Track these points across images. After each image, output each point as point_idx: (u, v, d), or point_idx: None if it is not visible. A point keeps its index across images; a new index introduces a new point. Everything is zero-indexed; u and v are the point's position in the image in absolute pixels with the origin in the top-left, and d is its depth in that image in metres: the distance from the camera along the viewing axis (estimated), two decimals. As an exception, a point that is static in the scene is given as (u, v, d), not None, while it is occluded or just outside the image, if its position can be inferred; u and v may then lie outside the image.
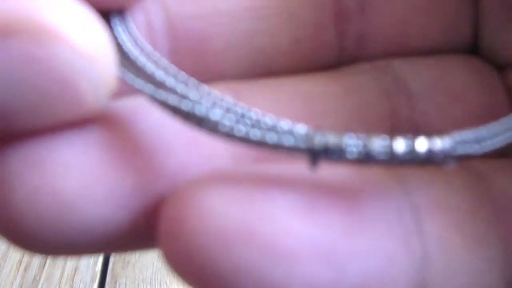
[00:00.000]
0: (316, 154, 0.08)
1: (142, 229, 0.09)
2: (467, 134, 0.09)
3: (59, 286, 0.34)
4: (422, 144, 0.08)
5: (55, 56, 0.07)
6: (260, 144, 0.08)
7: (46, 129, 0.08)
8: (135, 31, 0.10)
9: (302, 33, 0.11)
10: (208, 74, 0.11)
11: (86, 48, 0.07)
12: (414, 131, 0.11)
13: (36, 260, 0.35)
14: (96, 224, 0.08)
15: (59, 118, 0.08)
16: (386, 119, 0.11)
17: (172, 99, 0.08)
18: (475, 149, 0.09)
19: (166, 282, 0.34)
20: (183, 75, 0.09)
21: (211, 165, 0.09)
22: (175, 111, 0.08)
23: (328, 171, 0.09)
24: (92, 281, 0.34)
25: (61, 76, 0.07)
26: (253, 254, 0.07)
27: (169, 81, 0.08)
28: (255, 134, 0.08)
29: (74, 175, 0.08)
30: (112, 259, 0.36)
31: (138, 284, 0.34)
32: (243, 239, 0.07)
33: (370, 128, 0.11)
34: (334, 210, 0.08)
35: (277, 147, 0.08)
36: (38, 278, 0.34)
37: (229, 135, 0.08)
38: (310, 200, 0.08)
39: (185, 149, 0.09)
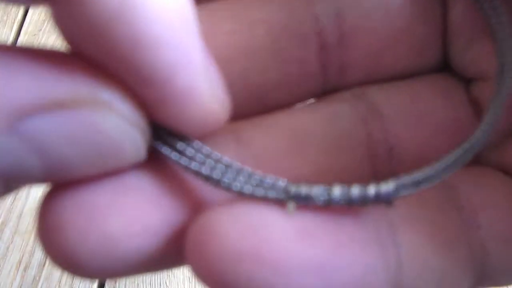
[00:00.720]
0: (292, 202, 0.11)
1: (172, 252, 0.11)
2: (407, 178, 0.11)
3: (59, 286, 0.34)
4: (371, 190, 0.11)
5: (107, 122, 0.09)
6: (252, 196, 0.11)
7: (94, 177, 0.10)
8: None
9: (289, 68, 0.13)
10: None
11: (127, 112, 0.09)
12: (388, 151, 0.13)
13: (36, 260, 0.35)
14: (135, 253, 0.10)
15: (105, 169, 0.10)
16: (363, 143, 0.13)
17: (184, 161, 0.11)
18: (413, 191, 0.11)
19: (166, 282, 0.34)
20: (188, 137, 0.11)
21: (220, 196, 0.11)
22: (187, 170, 0.11)
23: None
24: (92, 281, 0.34)
25: (113, 138, 0.09)
26: (260, 270, 0.10)
27: (180, 146, 0.11)
28: (248, 188, 0.11)
29: (116, 216, 0.10)
30: (112, 259, 0.36)
31: (138, 284, 0.34)
32: (252, 259, 0.10)
33: (349, 152, 0.13)
34: (322, 232, 0.10)
35: (264, 198, 0.11)
36: (37, 278, 0.34)
37: (228, 189, 0.11)
38: (303, 225, 0.10)
39: (197, 187, 0.11)
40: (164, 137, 0.11)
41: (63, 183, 0.10)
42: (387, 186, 0.11)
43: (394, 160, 0.13)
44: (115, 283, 0.34)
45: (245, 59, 0.13)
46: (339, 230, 0.11)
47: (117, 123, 0.09)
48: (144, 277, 0.34)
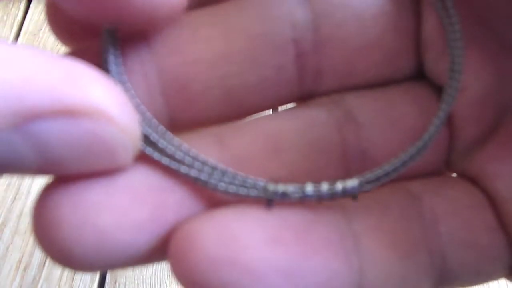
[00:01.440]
0: (270, 199, 0.12)
1: (159, 250, 0.12)
2: (369, 175, 0.12)
3: (59, 286, 0.34)
4: (338, 186, 0.12)
5: (105, 131, 0.10)
6: (235, 195, 0.12)
7: (86, 175, 0.11)
8: (131, 90, 0.13)
9: (267, 73, 0.14)
10: (192, 111, 0.13)
11: (123, 123, 0.10)
12: (361, 155, 0.14)
13: (36, 260, 0.35)
14: (125, 247, 0.11)
15: (95, 169, 0.11)
16: (337, 148, 0.14)
17: (174, 165, 0.12)
18: (375, 185, 0.12)
19: (166, 282, 0.34)
20: (177, 140, 0.12)
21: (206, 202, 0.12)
22: (177, 173, 0.12)
23: (287, 211, 0.12)
24: (92, 281, 0.34)
25: (106, 143, 0.10)
26: (235, 275, 0.11)
27: (169, 150, 0.12)
28: (232, 188, 0.12)
29: (107, 212, 0.11)
30: (112, 259, 0.36)
31: (138, 284, 0.34)
32: (228, 265, 0.11)
33: (323, 155, 0.14)
34: (291, 239, 0.11)
35: (247, 196, 0.12)
36: (37, 278, 0.34)
37: (214, 189, 0.12)
38: (274, 232, 0.11)
39: (181, 189, 0.12)
40: (155, 142, 0.12)
41: (58, 180, 0.11)
42: (352, 182, 0.12)
43: (366, 163, 0.14)
44: (115, 283, 0.34)
45: (223, 65, 0.13)
46: (307, 237, 0.12)
47: (113, 132, 0.10)
48: (144, 277, 0.34)
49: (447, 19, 0.14)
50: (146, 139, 0.12)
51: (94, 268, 0.11)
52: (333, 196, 0.12)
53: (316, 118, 0.14)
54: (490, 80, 0.14)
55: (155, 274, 0.35)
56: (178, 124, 0.13)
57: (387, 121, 0.14)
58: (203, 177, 0.12)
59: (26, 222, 0.36)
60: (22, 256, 0.35)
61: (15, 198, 0.38)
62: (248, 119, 0.14)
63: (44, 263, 0.35)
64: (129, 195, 0.11)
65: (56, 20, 0.13)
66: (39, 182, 0.38)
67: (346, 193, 0.12)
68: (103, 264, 0.11)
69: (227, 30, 0.13)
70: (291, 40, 0.14)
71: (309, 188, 0.12)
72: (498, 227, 0.13)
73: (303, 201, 0.12)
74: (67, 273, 0.34)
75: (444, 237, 0.13)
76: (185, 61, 0.13)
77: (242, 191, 0.12)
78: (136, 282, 0.34)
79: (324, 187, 0.12)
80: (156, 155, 0.12)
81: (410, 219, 0.13)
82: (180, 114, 0.13)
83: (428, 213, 0.13)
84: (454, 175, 0.15)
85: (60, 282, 0.34)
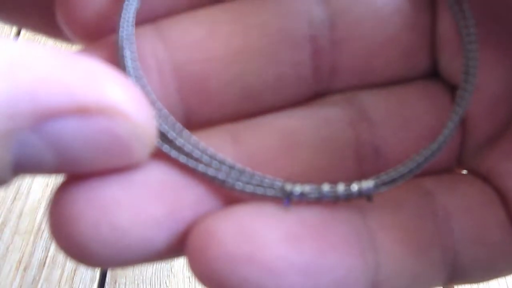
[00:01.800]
0: (288, 199, 0.12)
1: (176, 246, 0.12)
2: (384, 176, 0.13)
3: (59, 286, 0.34)
4: (354, 187, 0.12)
5: (121, 128, 0.10)
6: (253, 194, 0.12)
7: (103, 172, 0.11)
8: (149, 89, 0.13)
9: (283, 70, 0.14)
10: (208, 108, 0.14)
11: (139, 119, 0.10)
12: (374, 153, 0.14)
13: (36, 260, 0.35)
14: (142, 244, 0.11)
15: (111, 166, 0.11)
16: (351, 145, 0.14)
17: (192, 163, 0.12)
18: (390, 187, 0.13)
19: (166, 282, 0.34)
20: (194, 139, 0.12)
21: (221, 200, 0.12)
22: (195, 172, 0.12)
23: (304, 208, 0.12)
24: (92, 281, 0.34)
25: (122, 140, 0.10)
26: (254, 272, 0.11)
27: (186, 148, 0.12)
28: (249, 187, 0.12)
29: (124, 209, 0.11)
30: (112, 259, 0.36)
31: (138, 284, 0.34)
32: (246, 262, 0.11)
33: (337, 153, 0.14)
34: (309, 237, 0.12)
35: (264, 196, 0.12)
36: (37, 278, 0.34)
37: (232, 188, 0.12)
38: (292, 230, 0.12)
39: (198, 186, 0.12)
40: (172, 140, 0.12)
41: (73, 178, 0.11)
42: (367, 184, 0.12)
43: (379, 161, 0.14)
44: (115, 283, 0.34)
45: (241, 62, 0.13)
46: (324, 235, 0.12)
47: (129, 129, 0.10)
48: (144, 277, 0.34)
49: (463, 22, 0.14)
50: (163, 137, 0.12)
51: (110, 264, 0.11)
52: (348, 197, 0.12)
53: (330, 116, 0.14)
54: (503, 79, 0.14)
55: (155, 274, 0.35)
56: (194, 120, 0.13)
57: (400, 119, 0.14)
58: (220, 176, 0.12)
59: (26, 222, 0.36)
60: (22, 256, 0.35)
61: (15, 198, 0.38)
62: (263, 116, 0.14)
63: (44, 263, 0.35)
64: (146, 191, 0.11)
65: (69, 16, 0.13)
66: (39, 182, 0.38)
67: (362, 194, 0.12)
68: (120, 261, 0.11)
69: (245, 27, 0.13)
70: (308, 37, 0.14)
71: (326, 188, 0.12)
72: (509, 224, 0.13)
73: (319, 201, 0.12)
74: (67, 273, 0.34)
75: (457, 233, 0.13)
76: (202, 58, 0.13)
77: (259, 190, 0.12)
78: (136, 282, 0.34)
79: (340, 187, 0.12)
80: (173, 153, 0.12)
81: (423, 216, 0.13)
82: (196, 111, 0.13)
83: (441, 210, 0.13)
84: (465, 172, 0.15)
85: (60, 282, 0.34)
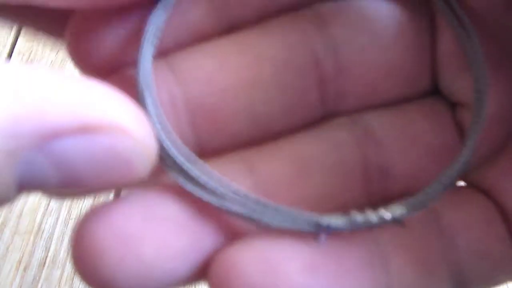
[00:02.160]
0: (324, 233, 0.12)
1: (198, 275, 0.12)
2: (413, 200, 0.13)
3: (59, 286, 0.34)
4: (387, 215, 0.12)
5: (122, 144, 0.10)
6: (289, 229, 0.12)
7: (126, 204, 0.12)
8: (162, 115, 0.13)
9: (291, 98, 0.14)
10: (219, 138, 0.14)
11: (139, 136, 0.10)
12: (382, 173, 0.14)
13: (36, 260, 0.35)
14: (166, 275, 0.12)
15: (112, 184, 0.11)
16: (359, 166, 0.14)
17: (208, 197, 0.12)
18: (420, 210, 0.13)
19: (166, 282, 0.34)
20: (208, 168, 0.12)
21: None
22: (220, 209, 0.12)
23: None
24: (92, 281, 0.34)
25: (123, 157, 0.10)
26: None
27: (202, 180, 0.12)
28: (285, 224, 0.12)
29: (149, 243, 0.11)
30: (112, 259, 0.36)
31: (138, 284, 0.34)
32: None
33: (347, 175, 0.14)
34: (327, 265, 0.12)
35: (300, 231, 0.12)
36: (37, 278, 0.34)
37: (267, 226, 0.12)
38: (311, 260, 0.12)
39: (215, 217, 0.12)
40: (187, 171, 0.12)
41: (95, 210, 0.12)
42: (399, 209, 0.12)
43: (387, 181, 0.14)
44: (115, 283, 0.34)
45: (250, 92, 0.14)
46: (340, 261, 0.12)
47: (130, 146, 0.10)
48: (144, 277, 0.35)
49: (465, 38, 0.14)
50: (178, 168, 0.12)
51: None
52: (382, 224, 0.12)
53: (338, 139, 0.14)
54: (503, 98, 0.14)
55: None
56: (205, 150, 0.14)
57: (405, 138, 0.14)
58: (256, 216, 0.12)
59: (26, 222, 0.36)
60: (22, 256, 0.35)
61: (15, 198, 0.38)
62: (274, 142, 0.15)
63: (44, 263, 0.35)
64: (168, 224, 0.12)
65: (81, 55, 0.13)
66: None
67: (395, 220, 0.12)
68: None
69: (253, 58, 0.14)
70: (313, 65, 0.14)
71: (359, 218, 0.12)
72: (509, 238, 0.13)
73: (353, 231, 0.12)
74: (67, 273, 0.35)
75: (461, 249, 0.13)
76: (213, 91, 0.14)
77: (295, 225, 0.12)
78: (136, 282, 0.34)
79: (373, 216, 0.12)
80: (201, 193, 0.12)
81: (431, 234, 0.13)
82: (208, 142, 0.14)
83: (446, 227, 0.13)
84: (468, 187, 0.15)
85: (60, 282, 0.34)
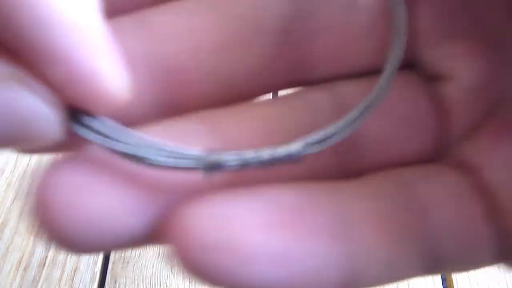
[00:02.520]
0: (209, 169, 0.12)
1: (153, 233, 0.12)
2: (312, 137, 0.12)
3: (59, 286, 0.34)
4: (280, 151, 0.12)
5: (23, 101, 0.10)
6: (177, 168, 0.12)
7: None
8: None
9: (258, 63, 0.14)
10: (182, 98, 0.14)
11: (41, 92, 0.10)
12: (353, 141, 0.14)
13: (36, 260, 0.35)
14: (121, 231, 0.12)
15: (19, 145, 0.11)
16: None
17: (110, 143, 0.11)
18: (319, 148, 0.12)
19: (166, 282, 0.34)
20: (112, 122, 0.12)
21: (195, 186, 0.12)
22: (115, 153, 0.12)
23: (282, 193, 0.12)
24: (92, 281, 0.34)
25: (26, 115, 0.10)
26: (228, 259, 0.11)
27: (103, 129, 0.12)
28: (170, 161, 0.12)
29: (97, 198, 0.11)
30: (112, 259, 0.36)
31: (138, 284, 0.34)
32: (222, 249, 0.11)
33: None
34: (284, 225, 0.12)
35: (185, 168, 0.12)
36: (37, 278, 0.34)
37: (153, 164, 0.12)
38: (267, 218, 0.12)
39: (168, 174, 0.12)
40: (86, 122, 0.11)
41: (55, 164, 0.11)
42: (295, 146, 0.12)
43: (358, 149, 0.14)
44: (115, 283, 0.34)
45: (217, 53, 0.14)
46: (299, 223, 0.12)
47: (29, 100, 0.10)
48: (144, 277, 0.34)
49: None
50: (79, 122, 0.12)
51: (88, 251, 0.12)
52: (275, 161, 0.12)
53: (310, 104, 0.14)
54: (482, 72, 0.14)
55: (155, 274, 0.35)
56: (167, 110, 0.14)
57: (378, 109, 0.14)
58: (141, 153, 0.12)
59: (26, 222, 0.36)
60: (22, 256, 0.35)
61: (15, 198, 0.38)
62: (239, 105, 0.14)
63: (44, 263, 0.35)
64: (112, 181, 0.12)
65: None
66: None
67: (289, 158, 0.12)
68: (97, 245, 0.12)
69: (221, 19, 0.14)
70: (282, 29, 0.14)
71: (249, 154, 0.12)
72: (487, 216, 0.13)
73: (243, 169, 0.12)
74: (67, 273, 0.35)
75: (433, 224, 0.13)
76: (179, 50, 0.13)
77: (182, 163, 0.12)
78: (136, 282, 0.34)
79: (265, 152, 0.12)
80: (91, 136, 0.11)
81: (402, 206, 0.13)
82: (169, 101, 0.14)
83: (419, 200, 0.13)
84: (445, 163, 0.15)
85: (60, 282, 0.34)
